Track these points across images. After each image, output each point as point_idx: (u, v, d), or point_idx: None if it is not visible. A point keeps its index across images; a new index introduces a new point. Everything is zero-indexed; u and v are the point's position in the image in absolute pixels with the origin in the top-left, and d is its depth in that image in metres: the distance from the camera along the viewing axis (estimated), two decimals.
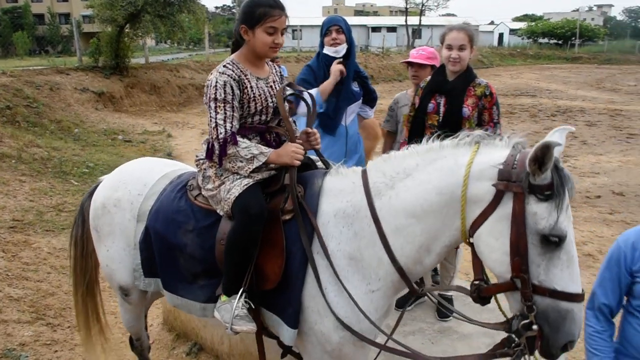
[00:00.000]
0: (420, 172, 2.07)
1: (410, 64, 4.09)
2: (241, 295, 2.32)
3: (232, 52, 2.57)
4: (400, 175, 2.13)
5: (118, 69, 16.72)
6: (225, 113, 2.36)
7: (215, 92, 2.35)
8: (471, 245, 1.99)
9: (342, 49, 3.82)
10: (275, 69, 2.70)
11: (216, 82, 2.35)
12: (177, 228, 2.56)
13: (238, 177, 2.41)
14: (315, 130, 2.60)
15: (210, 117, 2.37)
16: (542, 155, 1.72)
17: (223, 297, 2.39)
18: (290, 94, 2.62)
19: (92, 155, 9.98)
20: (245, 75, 2.43)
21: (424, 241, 2.07)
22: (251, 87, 2.43)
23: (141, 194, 2.81)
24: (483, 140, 1.98)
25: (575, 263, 1.81)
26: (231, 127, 2.36)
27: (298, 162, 2.40)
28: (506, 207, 1.82)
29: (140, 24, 16.79)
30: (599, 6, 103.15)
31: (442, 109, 3.38)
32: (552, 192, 1.76)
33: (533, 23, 65.44)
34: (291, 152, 2.40)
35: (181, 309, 2.67)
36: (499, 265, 1.86)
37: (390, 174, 2.16)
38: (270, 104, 2.51)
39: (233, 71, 2.39)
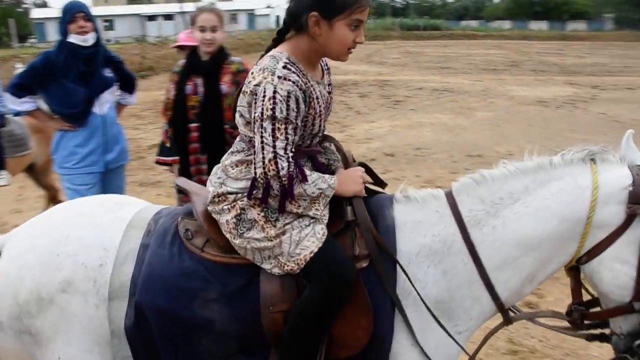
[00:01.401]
0: (532, 197, 1.82)
1: (181, 47, 4.01)
2: None
3: (276, 43, 1.84)
4: (505, 200, 1.83)
5: None
6: (287, 139, 1.70)
7: (274, 107, 1.66)
8: (573, 269, 1.88)
9: (92, 38, 3.61)
10: (322, 62, 1.96)
11: (274, 91, 1.67)
12: (190, 299, 1.80)
13: (305, 221, 1.80)
14: None
15: (264, 143, 1.70)
16: None
17: None
18: None
19: None
20: (309, 82, 1.78)
21: (532, 271, 1.85)
22: (317, 97, 1.80)
23: (104, 263, 1.89)
24: (597, 156, 1.83)
25: None
26: (293, 157, 1.75)
27: (364, 191, 1.92)
28: (636, 231, 1.73)
29: None
30: None
31: (201, 89, 3.44)
32: None
33: None
34: (358, 177, 1.89)
35: None
36: (621, 290, 1.77)
37: (491, 200, 1.84)
38: (325, 117, 1.92)
39: (298, 77, 1.72)
